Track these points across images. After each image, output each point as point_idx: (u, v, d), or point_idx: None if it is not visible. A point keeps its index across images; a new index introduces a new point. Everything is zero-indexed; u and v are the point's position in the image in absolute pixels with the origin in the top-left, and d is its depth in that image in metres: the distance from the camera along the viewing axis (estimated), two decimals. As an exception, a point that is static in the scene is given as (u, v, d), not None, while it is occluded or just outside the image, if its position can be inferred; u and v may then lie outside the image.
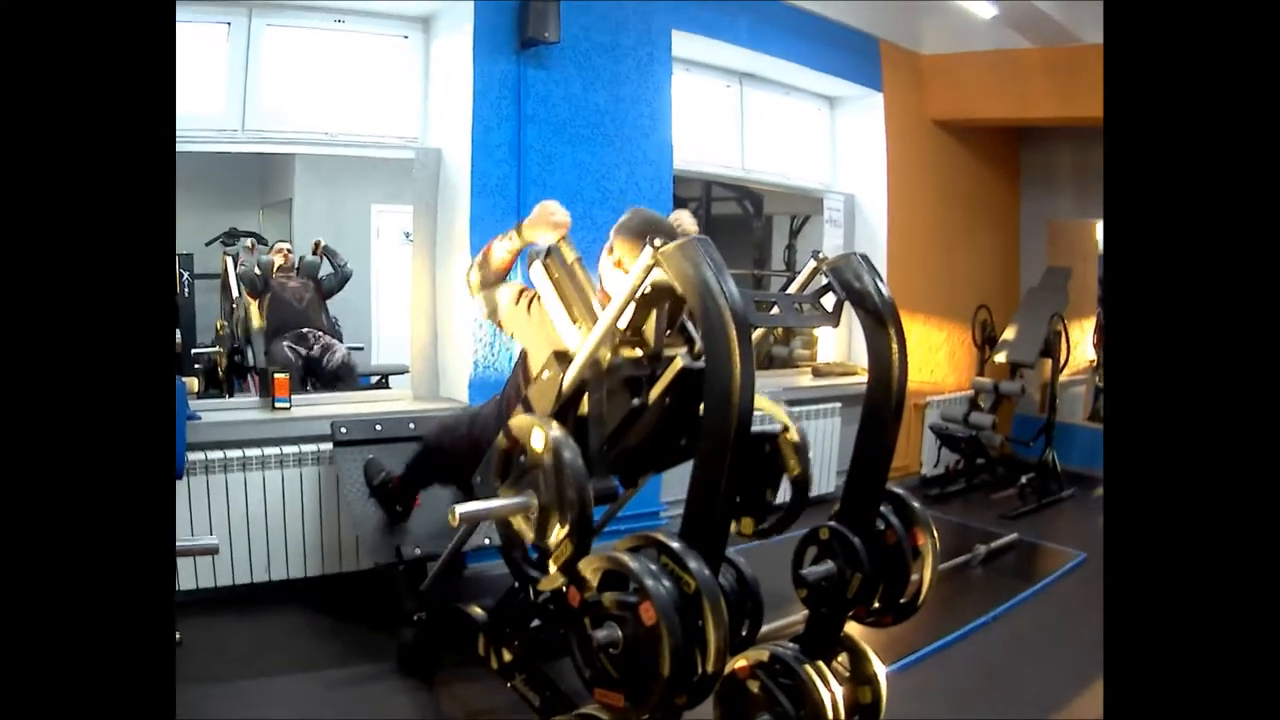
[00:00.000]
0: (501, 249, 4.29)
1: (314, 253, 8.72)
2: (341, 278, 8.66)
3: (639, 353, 3.72)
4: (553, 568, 3.34)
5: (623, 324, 3.53)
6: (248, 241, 8.72)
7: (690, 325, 3.94)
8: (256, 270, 8.29)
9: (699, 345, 3.61)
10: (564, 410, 3.69)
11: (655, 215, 4.15)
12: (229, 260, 8.40)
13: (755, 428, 3.75)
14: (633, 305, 3.45)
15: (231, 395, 7.75)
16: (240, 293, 8.17)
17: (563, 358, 3.70)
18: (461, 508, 3.39)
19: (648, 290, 3.39)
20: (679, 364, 3.62)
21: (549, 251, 3.84)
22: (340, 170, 8.70)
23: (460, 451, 4.67)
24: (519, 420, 3.51)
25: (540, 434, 3.37)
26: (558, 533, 3.34)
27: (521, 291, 4.20)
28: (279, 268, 8.41)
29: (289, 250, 8.58)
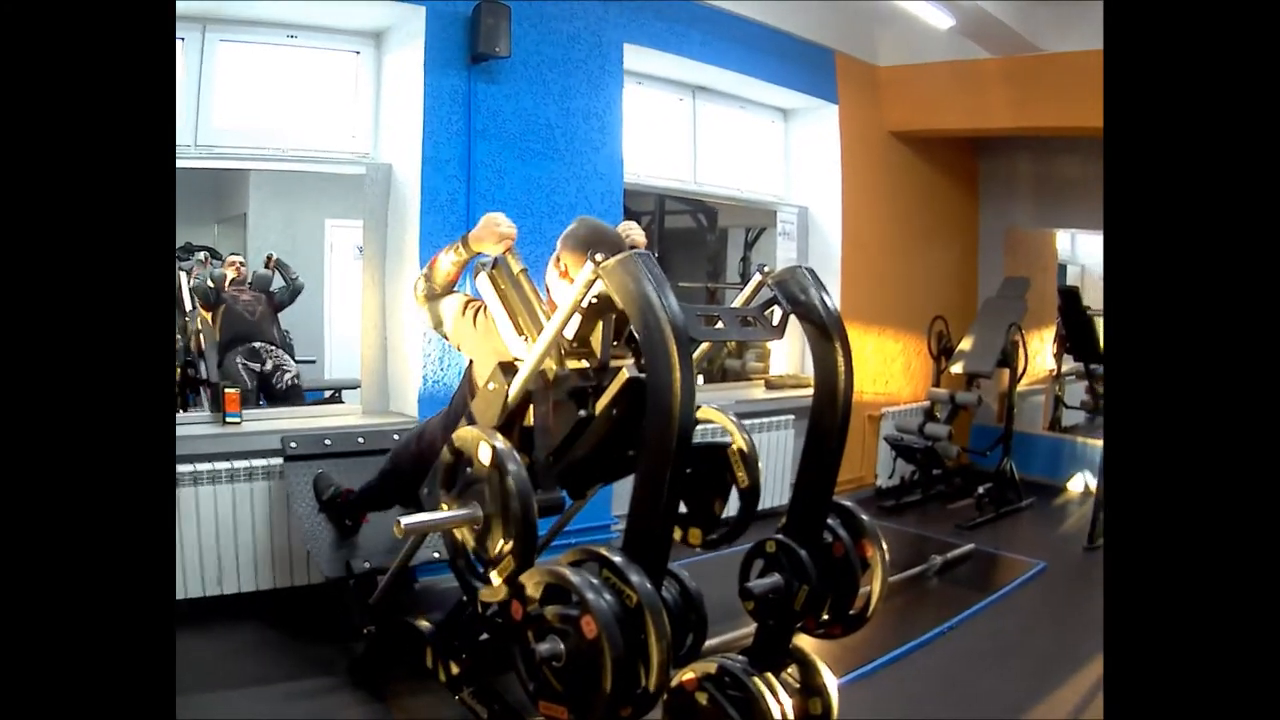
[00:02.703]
0: (448, 260, 4.25)
1: (266, 266, 8.72)
2: (293, 290, 8.66)
3: (585, 364, 3.71)
4: (496, 580, 3.34)
5: (569, 334, 3.53)
6: (201, 255, 8.69)
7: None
8: (209, 283, 8.28)
9: None
10: (509, 422, 3.73)
11: (602, 225, 4.09)
12: (183, 275, 8.37)
13: (704, 439, 3.93)
14: (578, 316, 3.45)
15: (185, 409, 7.70)
16: (194, 305, 8.15)
17: (508, 369, 3.73)
18: (406, 520, 3.37)
19: (594, 301, 3.40)
20: (625, 375, 3.58)
21: (495, 263, 3.85)
22: (294, 185, 8.68)
23: (414, 472, 4.59)
24: (464, 432, 3.51)
25: (485, 446, 3.37)
26: (501, 546, 3.33)
27: (468, 303, 4.17)
28: (231, 281, 8.41)
29: (241, 263, 8.58)
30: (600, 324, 3.61)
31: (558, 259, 4.07)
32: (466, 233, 4.14)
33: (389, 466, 5.08)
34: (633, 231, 4.39)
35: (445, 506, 3.54)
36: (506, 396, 3.71)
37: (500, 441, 3.38)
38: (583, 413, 3.67)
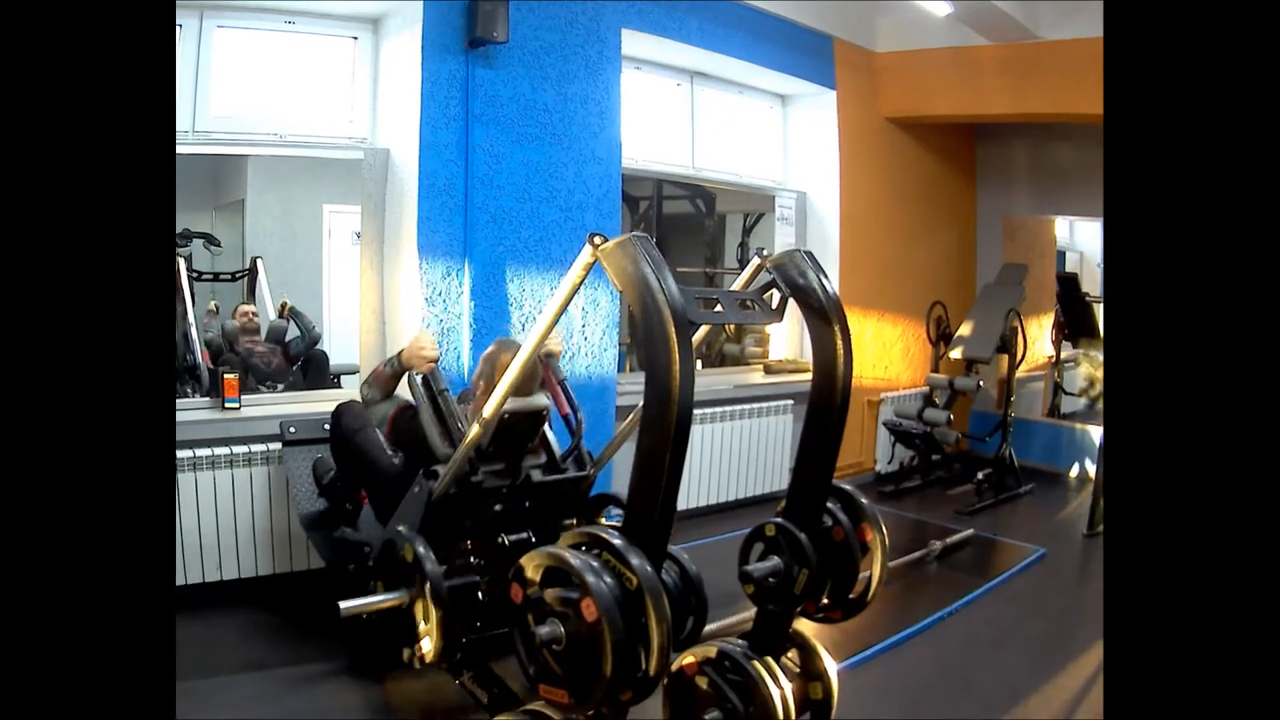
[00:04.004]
0: (386, 373, 5.00)
1: (280, 315, 8.65)
2: (310, 341, 8.58)
3: (501, 465, 4.54)
4: (426, 648, 4.17)
5: (485, 440, 4.27)
6: (211, 304, 8.63)
7: (551, 438, 4.76)
8: (221, 338, 8.22)
9: (559, 454, 4.80)
10: (433, 519, 4.38)
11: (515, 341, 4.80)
12: (181, 261, 8.32)
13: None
14: (494, 425, 4.19)
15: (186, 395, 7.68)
16: (201, 346, 8.08)
17: (431, 474, 4.40)
18: (346, 604, 4.19)
19: (506, 416, 4.24)
20: (535, 478, 4.63)
21: (424, 379, 4.54)
22: (293, 171, 8.64)
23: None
24: (394, 532, 4.37)
25: (408, 547, 4.21)
26: (423, 627, 4.16)
27: (404, 408, 4.80)
28: (244, 330, 8.34)
29: (253, 313, 8.48)
30: (515, 432, 4.41)
31: (479, 377, 4.73)
32: (401, 352, 4.91)
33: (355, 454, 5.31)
34: (550, 342, 4.90)
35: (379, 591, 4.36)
36: (430, 495, 4.35)
37: (420, 545, 4.20)
38: (499, 508, 4.56)
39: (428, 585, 4.08)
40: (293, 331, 8.58)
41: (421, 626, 4.12)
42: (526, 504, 4.43)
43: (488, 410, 4.02)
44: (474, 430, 4.13)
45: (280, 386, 8.11)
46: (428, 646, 4.12)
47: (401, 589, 4.24)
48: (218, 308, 8.68)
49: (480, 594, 4.36)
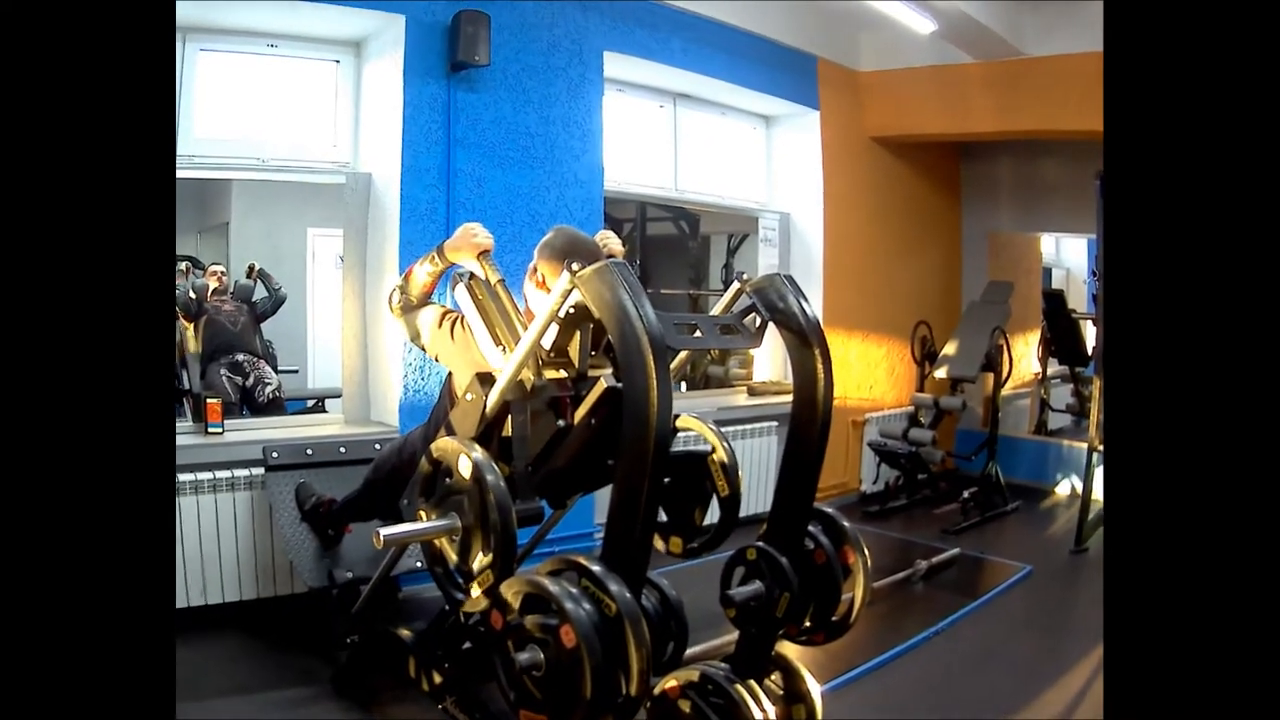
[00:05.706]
0: (423, 271, 4.23)
1: (248, 276, 8.69)
2: (276, 301, 8.62)
3: (563, 373, 3.70)
4: (476, 591, 3.35)
5: (547, 344, 3.52)
6: (182, 265, 8.67)
7: None
8: (191, 294, 8.26)
9: None
10: (488, 432, 3.70)
11: (579, 234, 4.15)
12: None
13: (685, 448, 3.96)
14: (556, 326, 3.44)
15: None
16: (176, 317, 8.14)
17: (486, 379, 3.70)
18: (385, 530, 3.39)
19: (571, 311, 3.40)
20: (603, 384, 3.62)
21: (472, 273, 3.84)
22: (277, 195, 8.64)
23: (396, 484, 4.52)
24: (443, 443, 3.53)
25: (464, 458, 3.39)
26: (480, 558, 3.35)
27: (445, 314, 4.15)
28: (213, 291, 8.38)
29: (223, 273, 8.54)
30: (578, 333, 3.59)
31: (534, 269, 4.05)
32: (442, 243, 4.14)
33: (371, 477, 5.01)
34: (610, 240, 4.43)
35: (424, 517, 3.54)
36: (484, 407, 3.67)
37: (479, 452, 3.39)
38: (561, 422, 3.73)
39: (490, 502, 3.29)
40: (260, 292, 8.64)
41: (480, 556, 3.39)
42: (593, 420, 3.72)
43: (550, 304, 3.42)
44: (536, 326, 3.45)
45: (248, 362, 8.13)
46: (477, 588, 3.37)
47: (453, 514, 3.47)
48: (189, 268, 8.70)
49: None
